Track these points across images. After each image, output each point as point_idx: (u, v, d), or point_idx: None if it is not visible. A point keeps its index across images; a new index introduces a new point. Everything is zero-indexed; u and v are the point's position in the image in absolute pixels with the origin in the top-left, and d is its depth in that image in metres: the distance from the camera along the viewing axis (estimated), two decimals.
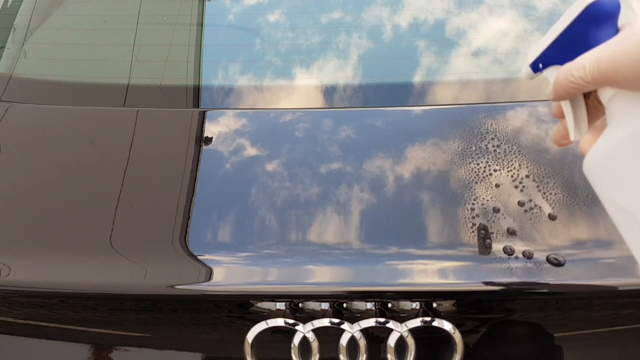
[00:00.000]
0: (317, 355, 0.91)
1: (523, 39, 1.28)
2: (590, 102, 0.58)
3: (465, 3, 1.35)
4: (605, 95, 0.54)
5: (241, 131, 1.14)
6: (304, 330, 0.90)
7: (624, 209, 0.52)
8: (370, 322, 0.90)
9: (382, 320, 0.90)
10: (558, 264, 0.88)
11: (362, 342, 0.90)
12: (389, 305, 0.91)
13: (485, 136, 1.07)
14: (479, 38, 1.29)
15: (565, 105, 0.59)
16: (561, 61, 0.57)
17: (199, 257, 0.94)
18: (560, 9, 1.34)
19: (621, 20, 0.55)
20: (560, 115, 0.60)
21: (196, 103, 1.24)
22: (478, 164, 1.02)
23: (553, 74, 0.58)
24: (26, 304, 0.97)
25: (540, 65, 0.60)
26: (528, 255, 0.90)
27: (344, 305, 0.91)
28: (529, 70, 0.61)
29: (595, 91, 0.56)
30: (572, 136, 0.59)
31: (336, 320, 0.90)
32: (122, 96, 1.22)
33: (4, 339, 0.99)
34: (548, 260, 0.89)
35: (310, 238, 0.95)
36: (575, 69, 0.53)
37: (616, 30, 0.54)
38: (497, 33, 1.30)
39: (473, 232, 0.94)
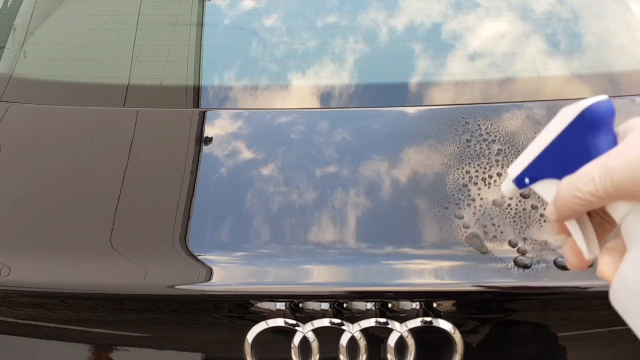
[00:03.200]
0: (317, 355, 0.91)
1: (520, 40, 1.28)
2: (593, 219, 0.52)
3: (462, 5, 1.36)
4: (619, 211, 0.47)
5: (241, 131, 1.14)
6: (304, 330, 0.90)
7: None
8: (370, 322, 0.90)
9: (382, 320, 0.90)
10: (564, 267, 0.88)
11: (362, 342, 0.90)
12: (389, 305, 0.91)
13: (486, 136, 1.07)
14: (476, 39, 1.29)
15: (572, 225, 0.52)
16: (556, 174, 0.51)
17: (199, 257, 0.94)
18: (557, 11, 1.34)
19: (617, 125, 0.50)
20: (565, 233, 0.53)
21: (196, 103, 1.24)
22: (479, 164, 1.02)
23: (545, 189, 0.52)
24: (26, 304, 0.97)
25: (527, 180, 0.54)
26: (529, 256, 0.90)
27: (344, 305, 0.91)
28: (512, 185, 0.55)
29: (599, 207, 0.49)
30: (587, 256, 0.52)
31: (336, 320, 0.90)
32: (122, 96, 1.22)
33: (4, 339, 0.99)
34: (555, 263, 0.89)
35: (310, 238, 0.95)
36: (581, 182, 0.46)
37: (614, 136, 0.49)
38: (494, 34, 1.30)
39: (473, 231, 0.94)
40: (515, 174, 0.54)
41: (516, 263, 0.89)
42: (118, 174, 1.06)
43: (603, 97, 0.50)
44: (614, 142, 0.49)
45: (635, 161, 0.44)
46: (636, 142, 0.46)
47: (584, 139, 0.49)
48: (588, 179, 0.46)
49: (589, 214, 0.51)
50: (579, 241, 0.52)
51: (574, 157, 0.49)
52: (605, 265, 0.49)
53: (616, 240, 0.50)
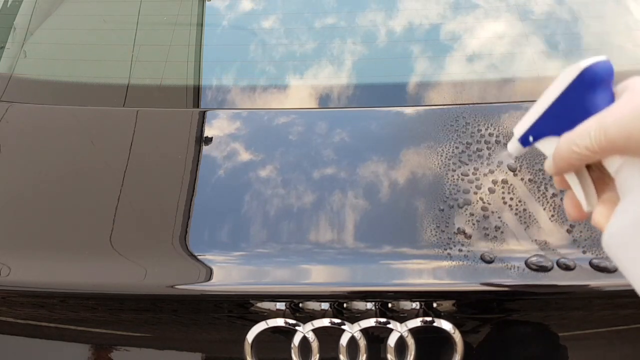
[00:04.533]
0: (317, 355, 0.91)
1: (519, 41, 1.28)
2: (593, 173, 0.54)
3: (461, 6, 1.35)
4: (613, 164, 0.50)
5: (241, 132, 1.14)
6: (304, 330, 0.90)
7: None
8: (370, 322, 0.90)
9: (382, 320, 0.90)
10: (565, 267, 0.88)
11: (362, 342, 0.90)
12: (389, 305, 0.91)
13: (487, 137, 1.07)
14: (475, 39, 1.29)
15: (571, 178, 0.54)
16: (557, 132, 0.53)
17: (199, 257, 0.94)
18: (557, 11, 1.34)
19: (616, 85, 0.52)
20: (565, 186, 0.56)
21: (196, 103, 1.24)
22: (479, 165, 1.03)
23: (548, 145, 0.55)
24: (26, 304, 0.97)
25: (531, 138, 0.56)
26: (529, 256, 0.90)
27: (344, 305, 0.91)
28: (517, 145, 0.58)
29: (598, 162, 0.52)
30: (585, 207, 0.54)
31: (336, 320, 0.90)
32: (122, 96, 1.22)
33: (4, 339, 0.99)
34: (556, 263, 0.89)
35: (310, 238, 0.95)
36: (578, 138, 0.49)
37: (612, 95, 0.52)
38: (493, 34, 1.30)
39: (473, 232, 0.94)
40: (520, 133, 0.57)
41: (517, 263, 0.89)
42: (118, 174, 1.06)
43: (602, 57, 0.52)
44: (611, 101, 0.51)
45: (627, 118, 0.46)
46: (630, 100, 0.48)
47: (583, 98, 0.52)
48: (585, 134, 0.49)
49: (589, 168, 0.54)
50: (578, 193, 0.54)
51: (574, 115, 0.51)
52: (599, 215, 0.52)
53: (612, 193, 0.52)
